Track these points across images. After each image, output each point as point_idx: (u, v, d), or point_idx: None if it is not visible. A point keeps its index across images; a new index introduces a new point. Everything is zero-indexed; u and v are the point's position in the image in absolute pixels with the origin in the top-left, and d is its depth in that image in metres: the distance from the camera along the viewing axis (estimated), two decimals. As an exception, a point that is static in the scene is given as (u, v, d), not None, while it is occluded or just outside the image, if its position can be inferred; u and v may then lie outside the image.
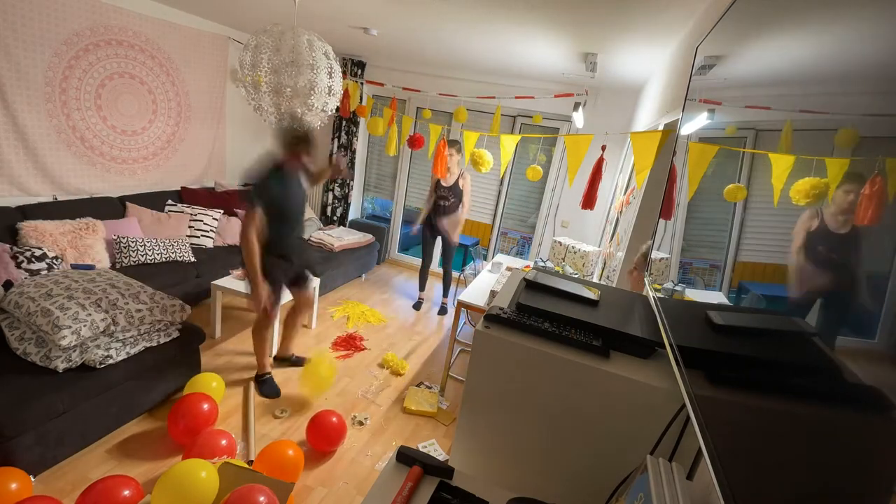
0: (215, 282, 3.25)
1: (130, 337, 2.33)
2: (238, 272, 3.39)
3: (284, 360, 3.18)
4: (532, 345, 1.05)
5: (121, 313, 2.32)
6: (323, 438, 2.38)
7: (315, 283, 3.36)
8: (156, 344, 2.43)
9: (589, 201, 3.18)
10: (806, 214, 0.60)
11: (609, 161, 3.78)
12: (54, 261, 2.85)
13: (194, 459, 1.86)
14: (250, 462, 2.25)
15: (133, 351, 2.33)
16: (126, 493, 1.75)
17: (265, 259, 2.52)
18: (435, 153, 4.06)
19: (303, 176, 2.72)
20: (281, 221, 2.56)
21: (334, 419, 2.42)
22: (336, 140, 5.31)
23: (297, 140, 2.51)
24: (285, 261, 2.68)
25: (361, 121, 5.27)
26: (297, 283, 2.94)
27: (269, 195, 2.47)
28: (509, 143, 3.43)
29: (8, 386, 1.94)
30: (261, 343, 2.84)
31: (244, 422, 2.55)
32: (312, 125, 2.69)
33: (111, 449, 2.22)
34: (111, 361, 2.22)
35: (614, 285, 2.49)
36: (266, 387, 2.85)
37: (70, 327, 2.12)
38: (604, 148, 3.08)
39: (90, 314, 2.22)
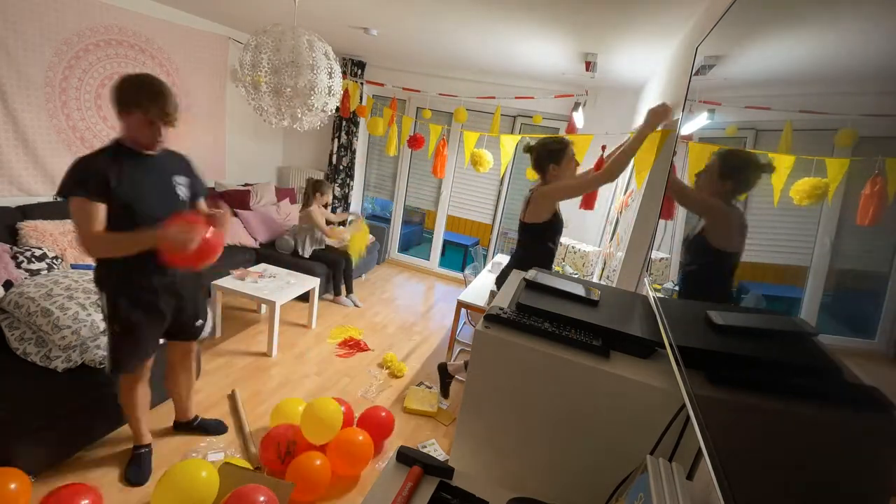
0: (215, 282, 3.25)
1: (130, 337, 2.33)
2: (237, 272, 3.39)
3: (185, 426, 2.38)
4: (532, 345, 1.05)
5: (121, 313, 2.32)
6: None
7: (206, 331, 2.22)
8: (156, 344, 2.43)
9: (589, 201, 3.18)
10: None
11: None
12: (54, 261, 2.84)
13: (194, 459, 1.86)
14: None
15: (133, 351, 2.33)
16: (84, 502, 1.72)
17: (117, 298, 1.74)
18: (435, 153, 4.06)
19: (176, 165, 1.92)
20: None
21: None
22: (336, 140, 5.31)
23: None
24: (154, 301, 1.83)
25: (361, 121, 5.27)
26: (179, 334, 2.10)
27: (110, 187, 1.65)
28: (509, 143, 3.44)
29: (8, 386, 1.94)
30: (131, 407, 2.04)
31: (238, 424, 2.50)
32: None
33: (111, 449, 2.22)
34: (111, 361, 2.22)
35: (614, 285, 2.49)
36: (133, 467, 2.06)
37: (70, 327, 2.12)
38: (604, 148, 3.08)
39: (90, 314, 2.22)
